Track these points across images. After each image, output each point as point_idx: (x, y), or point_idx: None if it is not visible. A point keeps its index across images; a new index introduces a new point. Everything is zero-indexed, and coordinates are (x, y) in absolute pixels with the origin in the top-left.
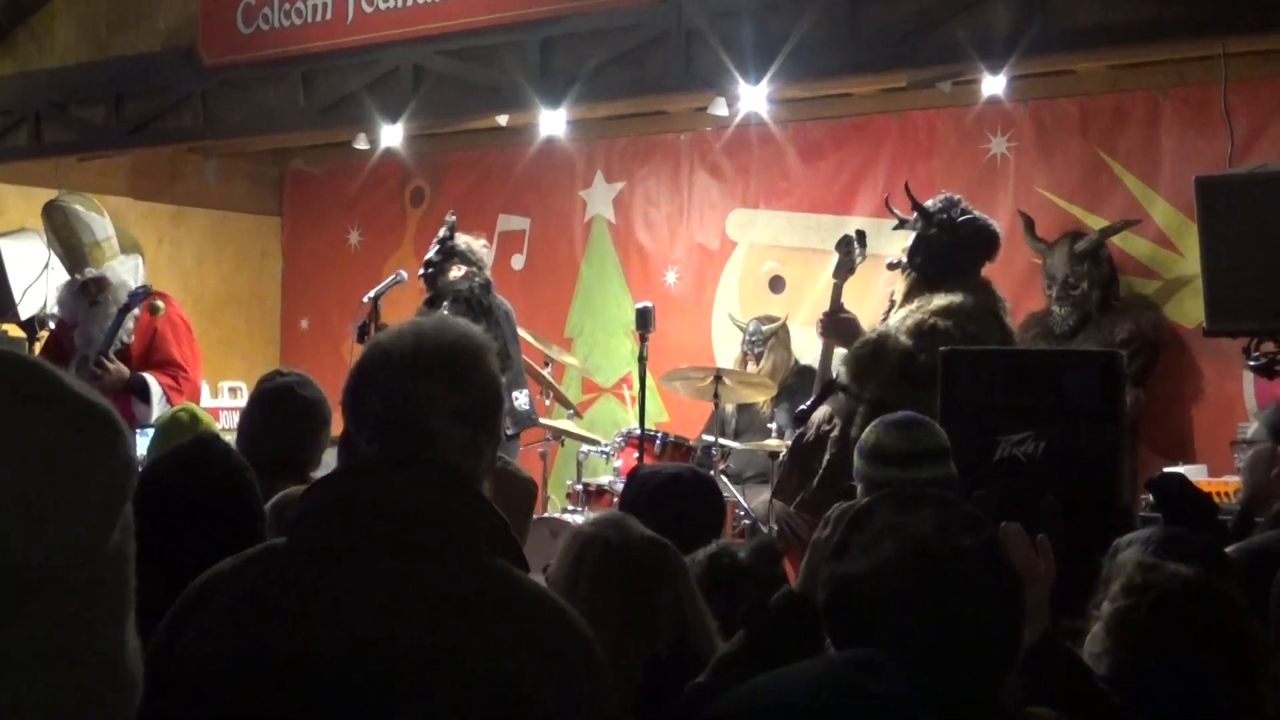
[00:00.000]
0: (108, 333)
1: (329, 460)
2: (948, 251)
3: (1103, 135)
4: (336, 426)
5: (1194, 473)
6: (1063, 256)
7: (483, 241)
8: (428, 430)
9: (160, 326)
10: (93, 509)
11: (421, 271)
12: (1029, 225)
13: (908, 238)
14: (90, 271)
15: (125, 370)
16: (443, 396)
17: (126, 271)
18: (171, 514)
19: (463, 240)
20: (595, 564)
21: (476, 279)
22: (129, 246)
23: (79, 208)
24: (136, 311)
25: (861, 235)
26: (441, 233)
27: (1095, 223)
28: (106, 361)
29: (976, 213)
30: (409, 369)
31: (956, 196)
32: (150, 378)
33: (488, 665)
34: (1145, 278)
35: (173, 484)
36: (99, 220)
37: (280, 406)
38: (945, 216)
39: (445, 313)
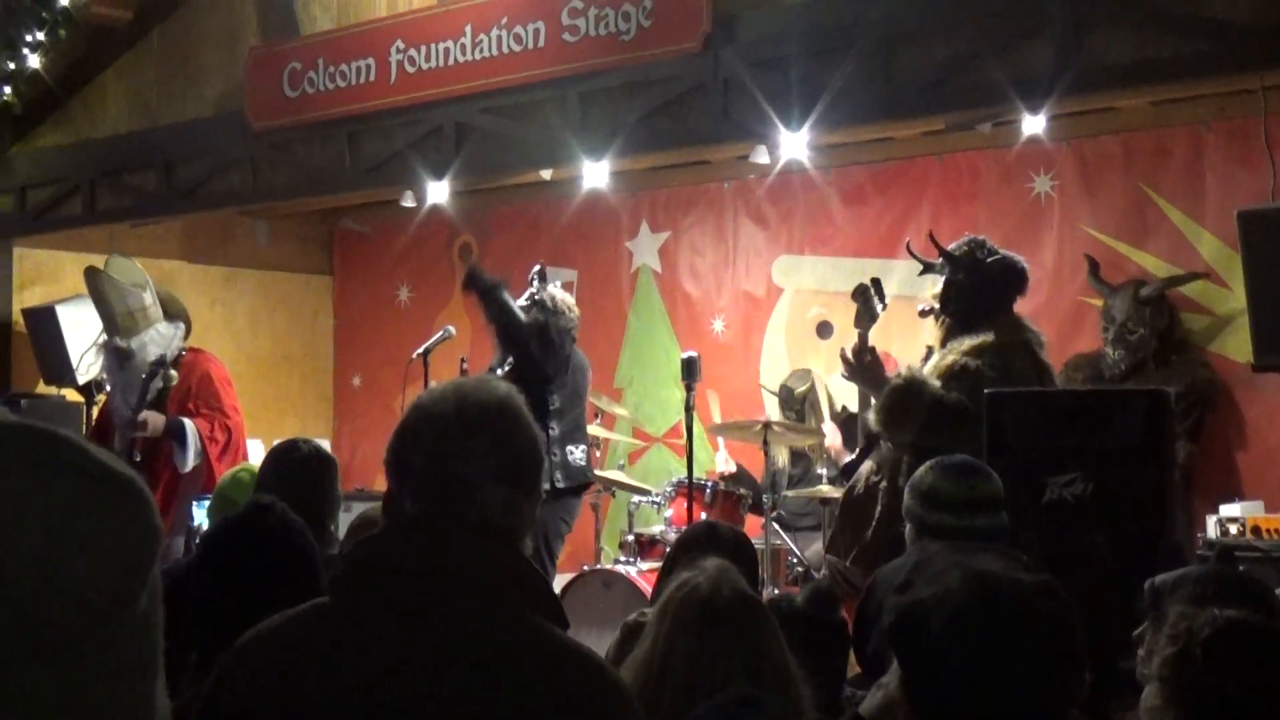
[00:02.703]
0: (136, 400)
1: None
2: (978, 294)
3: (1146, 171)
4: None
5: (1250, 509)
6: (1126, 300)
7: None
8: (469, 490)
9: (193, 385)
10: (114, 575)
11: None
12: (1094, 268)
13: (936, 282)
14: (118, 341)
15: (161, 417)
16: (484, 456)
17: (159, 341)
18: (233, 579)
19: (549, 293)
20: (679, 605)
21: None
22: (176, 313)
23: (116, 276)
24: (160, 379)
25: (877, 283)
26: (533, 285)
27: (1141, 259)
28: (141, 417)
29: (1002, 251)
30: (451, 429)
31: (981, 237)
32: (187, 422)
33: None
34: (1194, 313)
35: (233, 549)
36: (134, 291)
37: (283, 460)
38: (973, 259)
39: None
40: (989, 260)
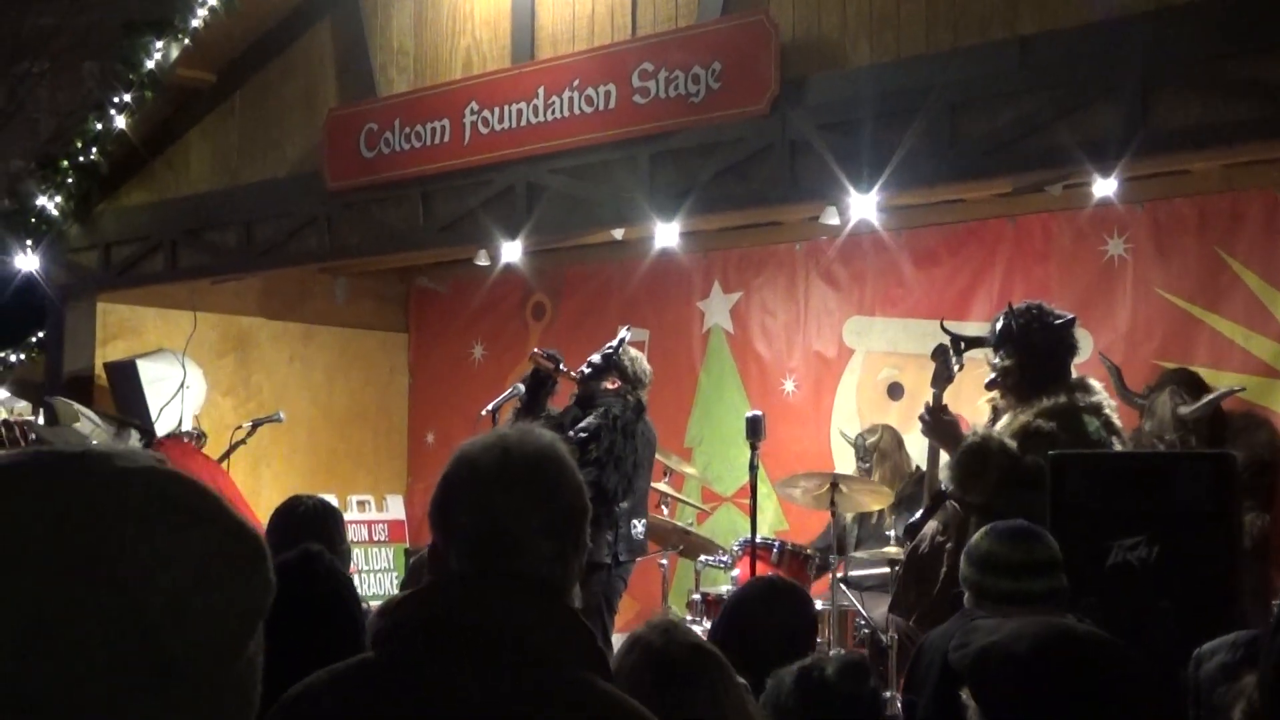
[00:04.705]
0: None
1: None
2: (1043, 364)
3: (1220, 234)
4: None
5: None
6: (1166, 422)
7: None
8: (515, 544)
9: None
10: (235, 619)
11: (582, 368)
12: (1118, 375)
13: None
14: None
15: None
16: (530, 510)
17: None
18: (279, 625)
19: (629, 357)
20: (633, 665)
21: (629, 397)
22: (125, 424)
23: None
24: None
25: (957, 343)
26: (614, 342)
27: (1216, 322)
28: None
29: (1056, 313)
30: (495, 483)
31: (1034, 304)
32: None
33: None
34: (1271, 378)
35: (280, 596)
36: (69, 429)
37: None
38: (1036, 328)
39: (593, 418)
40: (1054, 326)
